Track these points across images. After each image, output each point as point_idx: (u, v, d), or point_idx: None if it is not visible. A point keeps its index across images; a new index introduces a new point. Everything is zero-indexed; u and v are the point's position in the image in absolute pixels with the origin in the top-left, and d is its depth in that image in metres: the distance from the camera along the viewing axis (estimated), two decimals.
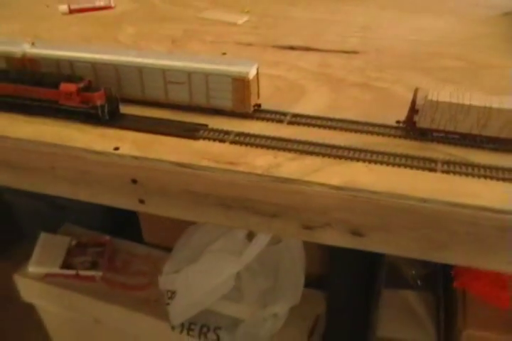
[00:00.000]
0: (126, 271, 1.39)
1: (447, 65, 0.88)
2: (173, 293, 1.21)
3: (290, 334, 1.22)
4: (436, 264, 1.15)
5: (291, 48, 0.96)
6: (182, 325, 1.23)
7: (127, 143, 0.69)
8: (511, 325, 0.98)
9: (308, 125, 0.71)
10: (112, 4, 1.23)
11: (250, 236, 1.13)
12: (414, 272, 1.16)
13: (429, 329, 1.08)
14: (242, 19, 1.10)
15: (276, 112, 0.74)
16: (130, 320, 1.32)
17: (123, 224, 1.56)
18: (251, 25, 1.07)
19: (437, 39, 0.98)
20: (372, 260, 1.22)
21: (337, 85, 0.82)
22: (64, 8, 1.18)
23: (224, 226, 1.16)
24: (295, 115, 0.73)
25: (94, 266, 1.36)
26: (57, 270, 1.34)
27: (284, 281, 1.20)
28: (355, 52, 0.93)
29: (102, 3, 1.22)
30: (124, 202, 0.72)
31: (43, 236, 1.43)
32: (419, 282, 1.15)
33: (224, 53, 0.94)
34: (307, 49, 0.95)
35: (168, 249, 1.37)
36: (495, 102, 0.63)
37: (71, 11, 1.19)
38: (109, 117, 0.73)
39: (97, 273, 1.35)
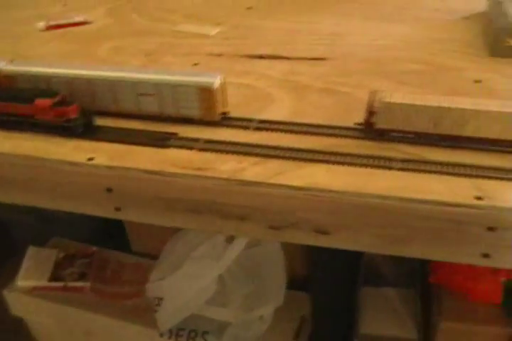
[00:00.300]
0: (115, 281, 1.40)
1: (408, 68, 0.91)
2: (160, 299, 1.23)
3: (276, 336, 1.25)
4: (414, 261, 1.18)
5: (261, 57, 0.99)
6: (170, 331, 1.25)
7: (101, 154, 0.72)
8: (485, 317, 1.01)
9: (274, 130, 0.74)
10: (90, 20, 1.26)
11: (230, 239, 1.16)
12: (392, 270, 1.19)
13: (409, 325, 1.11)
14: (214, 31, 1.13)
15: (243, 119, 0.77)
16: (120, 329, 1.33)
17: (111, 234, 1.59)
18: (223, 37, 1.11)
19: (399, 44, 1.01)
20: (353, 260, 1.25)
21: (303, 91, 0.85)
22: (41, 25, 1.21)
23: (204, 232, 1.19)
24: (261, 121, 0.76)
25: (82, 277, 1.38)
26: (45, 283, 1.35)
27: (266, 283, 1.23)
28: (321, 59, 0.96)
29: (80, 19, 1.25)
30: (101, 210, 0.75)
31: (31, 250, 1.45)
32: (398, 279, 1.18)
33: (196, 64, 0.97)
34: (276, 57, 0.98)
35: (156, 257, 1.39)
36: (445, 102, 0.67)
37: (48, 28, 1.22)
38: (84, 130, 0.76)
39: (85, 284, 1.36)
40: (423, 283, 1.15)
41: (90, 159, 0.71)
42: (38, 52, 1.09)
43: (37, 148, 0.75)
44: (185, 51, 1.04)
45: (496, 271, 1.03)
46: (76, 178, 0.72)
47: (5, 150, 0.75)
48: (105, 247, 1.51)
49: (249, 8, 1.27)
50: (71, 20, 1.25)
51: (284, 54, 0.99)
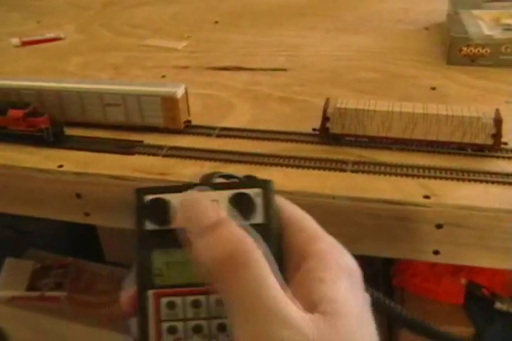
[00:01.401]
0: (90, 291, 1.42)
1: (364, 77, 0.96)
2: None
3: None
4: (376, 264, 1.21)
5: (225, 69, 1.03)
6: None
7: (70, 162, 0.75)
8: (447, 318, 1.05)
9: (234, 137, 0.78)
10: (62, 36, 1.29)
11: None
12: None
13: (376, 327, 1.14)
14: (181, 44, 1.17)
15: (205, 127, 0.81)
16: (95, 336, 1.35)
17: (85, 245, 1.61)
18: (189, 50, 1.14)
19: (357, 54, 1.06)
20: None
21: (263, 100, 0.89)
22: (16, 41, 1.24)
23: None
24: (223, 129, 0.80)
25: (58, 286, 1.39)
26: (22, 293, 1.37)
27: None
28: (282, 70, 1.01)
29: (52, 35, 1.28)
30: (70, 216, 0.78)
31: (8, 262, 1.46)
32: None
33: (163, 76, 1.01)
34: (239, 69, 1.02)
35: (129, 267, 1.42)
36: (396, 107, 0.71)
37: (23, 44, 1.25)
38: (54, 139, 0.79)
39: (61, 294, 1.38)
40: (386, 286, 1.18)
41: (60, 166, 0.74)
42: (11, 67, 1.12)
43: (10, 157, 0.78)
44: (153, 64, 1.08)
45: (455, 272, 1.06)
46: (47, 185, 0.75)
47: None
48: (80, 257, 1.53)
49: (215, 23, 1.31)
50: (44, 37, 1.28)
51: (247, 65, 1.03)
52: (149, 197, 0.42)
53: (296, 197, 0.65)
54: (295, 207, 0.43)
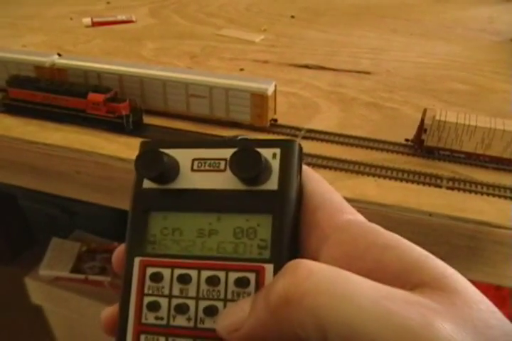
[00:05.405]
0: None
1: (453, 88, 0.92)
2: None
3: None
4: None
5: (306, 67, 1.00)
6: None
7: None
8: None
9: (322, 140, 0.75)
10: (134, 19, 1.27)
11: None
12: None
13: None
14: (259, 37, 1.14)
15: (291, 127, 0.78)
16: None
17: None
18: (268, 44, 1.12)
19: (445, 63, 1.02)
20: None
21: (349, 104, 0.86)
22: (87, 21, 1.23)
23: None
24: (309, 130, 0.77)
25: (102, 271, 1.39)
26: (67, 274, 1.36)
27: None
28: (366, 73, 0.97)
29: (123, 18, 1.27)
30: None
31: (54, 241, 1.46)
32: None
33: (242, 69, 0.98)
34: (321, 68, 0.99)
35: None
36: (499, 124, 0.67)
37: (94, 24, 1.23)
38: (133, 127, 0.77)
39: (105, 279, 1.37)
40: None
41: None
42: (83, 47, 1.10)
43: (87, 142, 0.76)
44: (230, 56, 1.05)
45: None
46: (125, 175, 0.73)
47: (55, 142, 0.75)
48: None
49: (292, 17, 1.28)
50: (115, 18, 1.26)
51: (329, 65, 1.00)
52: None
53: (392, 211, 0.62)
54: (321, 178, 0.37)
